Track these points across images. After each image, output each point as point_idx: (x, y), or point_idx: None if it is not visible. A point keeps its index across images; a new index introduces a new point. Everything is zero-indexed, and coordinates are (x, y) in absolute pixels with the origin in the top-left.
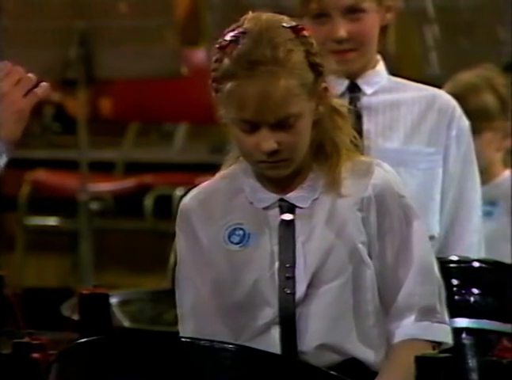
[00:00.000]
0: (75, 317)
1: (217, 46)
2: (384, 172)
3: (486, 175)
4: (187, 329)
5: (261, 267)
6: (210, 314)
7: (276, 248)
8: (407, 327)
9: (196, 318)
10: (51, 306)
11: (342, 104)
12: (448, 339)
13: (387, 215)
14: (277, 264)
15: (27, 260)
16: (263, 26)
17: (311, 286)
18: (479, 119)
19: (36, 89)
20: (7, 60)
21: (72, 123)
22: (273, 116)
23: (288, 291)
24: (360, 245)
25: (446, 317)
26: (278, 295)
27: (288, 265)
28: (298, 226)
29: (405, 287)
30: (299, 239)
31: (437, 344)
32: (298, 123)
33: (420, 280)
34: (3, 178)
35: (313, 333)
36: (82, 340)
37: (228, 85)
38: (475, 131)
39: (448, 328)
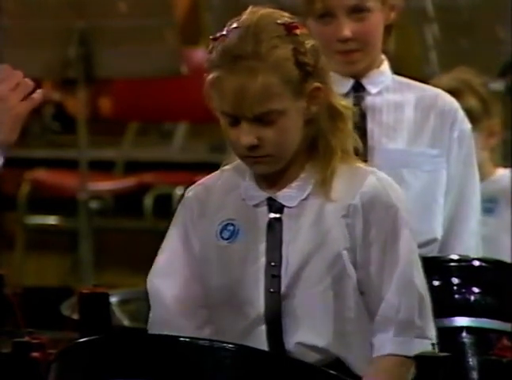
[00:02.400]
0: (75, 316)
1: (211, 37)
2: (376, 182)
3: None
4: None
5: (246, 263)
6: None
7: (263, 246)
8: (385, 342)
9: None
10: (50, 306)
11: (347, 105)
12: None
13: (373, 225)
14: (262, 262)
15: (27, 259)
16: (253, 21)
17: (292, 287)
18: None
19: (33, 95)
20: (7, 60)
21: (72, 122)
22: (250, 111)
23: (273, 290)
24: (344, 252)
25: (428, 332)
26: (264, 293)
27: (273, 264)
28: (285, 225)
29: (385, 300)
30: (286, 238)
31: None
32: (281, 120)
33: (400, 293)
34: (3, 177)
35: (298, 333)
36: (82, 340)
37: (211, 76)
38: None
39: (427, 343)
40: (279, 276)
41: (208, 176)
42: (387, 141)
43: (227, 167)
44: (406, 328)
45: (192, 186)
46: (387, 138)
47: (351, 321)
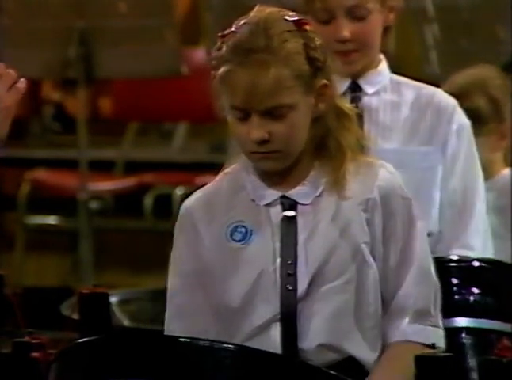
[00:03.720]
0: (75, 316)
1: (219, 34)
2: (388, 175)
3: (485, 175)
4: (175, 330)
5: (262, 263)
6: (203, 316)
7: (278, 245)
8: (402, 329)
9: (186, 320)
10: (50, 306)
11: (351, 107)
12: (441, 342)
13: (392, 217)
14: (278, 261)
15: (27, 259)
16: (263, 17)
17: (312, 284)
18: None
19: (17, 85)
20: (7, 60)
21: (72, 122)
22: (261, 104)
23: (290, 288)
24: (363, 246)
25: (440, 321)
26: (280, 292)
27: (289, 262)
28: (300, 222)
29: (402, 289)
30: (301, 236)
31: (429, 347)
32: (291, 114)
33: (417, 282)
34: (3, 177)
35: (313, 331)
36: (82, 340)
37: (221, 71)
38: None
39: (441, 332)
40: (295, 274)
41: (209, 184)
42: (383, 141)
43: (227, 170)
44: (422, 316)
45: (194, 194)
46: (383, 139)
47: (370, 316)
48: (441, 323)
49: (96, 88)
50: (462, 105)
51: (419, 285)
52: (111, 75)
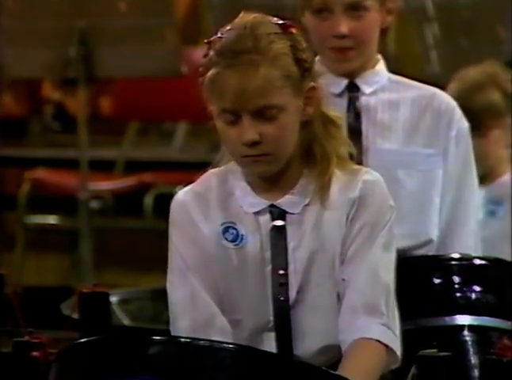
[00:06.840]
0: (75, 315)
1: (205, 41)
2: (372, 178)
3: (493, 174)
4: (181, 326)
5: (252, 271)
6: (207, 306)
7: (268, 254)
8: (353, 324)
9: (191, 313)
10: (50, 305)
11: (338, 116)
12: (393, 344)
13: (362, 217)
14: (268, 270)
15: (27, 258)
16: (249, 21)
17: (300, 292)
18: (486, 117)
19: None
20: (7, 60)
21: (72, 121)
22: (252, 104)
23: (282, 298)
24: None
25: (394, 326)
26: (273, 302)
27: (281, 272)
28: (289, 231)
29: (352, 286)
30: (291, 245)
31: (386, 348)
32: (281, 116)
33: (367, 280)
34: (3, 177)
35: (305, 337)
36: (82, 340)
37: (209, 74)
38: (483, 129)
39: (393, 336)
40: (287, 283)
41: (198, 180)
42: (382, 141)
43: (214, 171)
44: (372, 312)
45: (184, 189)
46: (382, 139)
47: None
48: (395, 329)
49: (96, 87)
50: (476, 100)
51: (369, 283)
52: (111, 75)
